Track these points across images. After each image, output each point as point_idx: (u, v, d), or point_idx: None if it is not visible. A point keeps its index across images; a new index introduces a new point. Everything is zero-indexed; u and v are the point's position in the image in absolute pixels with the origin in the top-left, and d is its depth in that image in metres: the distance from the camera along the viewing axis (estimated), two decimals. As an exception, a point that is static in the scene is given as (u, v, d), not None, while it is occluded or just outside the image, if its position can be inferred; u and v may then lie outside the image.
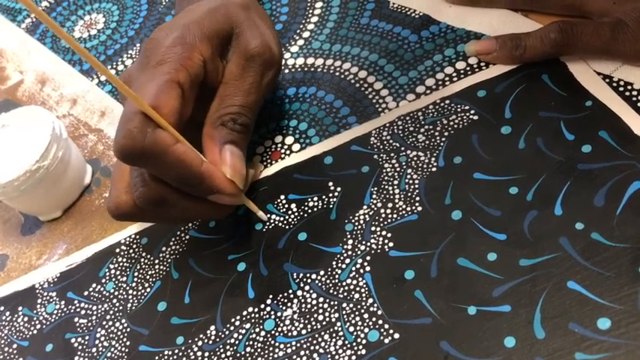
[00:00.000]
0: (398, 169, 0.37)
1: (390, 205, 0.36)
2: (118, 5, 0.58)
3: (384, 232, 0.35)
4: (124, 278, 0.40)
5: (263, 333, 0.34)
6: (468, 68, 0.40)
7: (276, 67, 0.38)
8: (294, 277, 0.35)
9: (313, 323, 0.33)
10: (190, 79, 0.34)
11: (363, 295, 0.33)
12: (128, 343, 0.37)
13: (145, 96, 0.32)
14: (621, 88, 0.36)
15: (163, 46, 0.34)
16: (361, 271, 0.34)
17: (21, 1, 0.25)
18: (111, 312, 0.39)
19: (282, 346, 0.33)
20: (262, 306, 0.35)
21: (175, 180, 0.33)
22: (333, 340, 0.33)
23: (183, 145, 0.33)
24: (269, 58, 0.37)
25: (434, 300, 0.32)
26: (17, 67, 0.58)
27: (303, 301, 0.34)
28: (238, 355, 0.34)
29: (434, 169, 0.36)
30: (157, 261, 0.40)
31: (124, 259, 0.41)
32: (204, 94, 0.36)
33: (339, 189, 0.38)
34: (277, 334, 0.34)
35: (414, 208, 0.35)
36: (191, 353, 0.35)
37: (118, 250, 0.41)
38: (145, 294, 0.39)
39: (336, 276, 0.35)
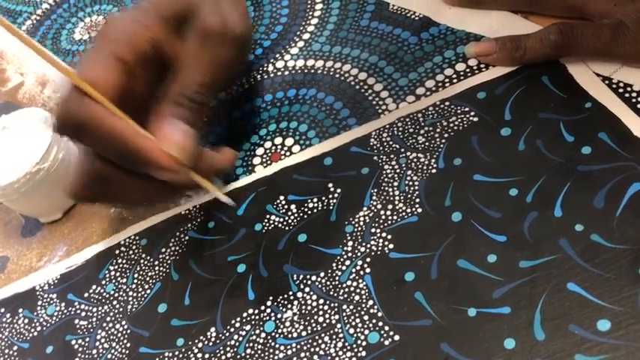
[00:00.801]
0: (398, 171, 0.37)
1: (390, 206, 0.36)
2: (119, 7, 0.58)
3: (384, 234, 0.35)
4: (124, 280, 0.40)
5: (263, 335, 0.34)
6: (468, 70, 0.40)
7: (238, 46, 0.37)
8: (294, 278, 0.35)
9: (313, 325, 0.33)
10: (136, 56, 0.33)
11: (364, 296, 0.33)
12: (128, 344, 0.37)
13: (84, 72, 0.32)
14: (621, 90, 0.36)
15: (114, 26, 0.34)
16: (361, 272, 0.34)
17: None
18: (111, 314, 0.39)
19: (282, 347, 0.33)
20: (262, 307, 0.35)
21: (113, 154, 0.33)
22: (334, 341, 0.33)
23: (120, 119, 0.32)
24: (226, 35, 0.36)
25: (434, 302, 0.32)
26: (18, 69, 0.58)
27: (303, 302, 0.34)
28: (239, 356, 0.34)
29: (434, 170, 0.36)
30: (156, 262, 0.40)
31: (124, 261, 0.41)
32: (165, 75, 0.35)
33: (339, 190, 0.38)
34: (277, 335, 0.34)
35: (414, 209, 0.35)
36: (191, 355, 0.35)
37: (117, 252, 0.41)
38: (145, 295, 0.39)
39: (337, 278, 0.35)
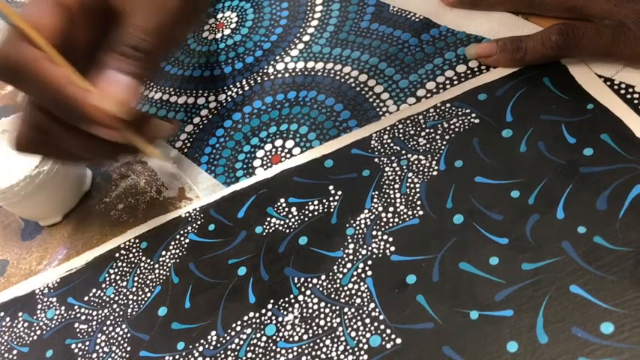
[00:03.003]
0: (399, 173, 0.37)
1: (391, 209, 0.36)
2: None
3: (385, 237, 0.35)
4: (124, 283, 0.40)
5: (264, 338, 0.34)
6: (469, 71, 0.40)
7: None
8: (295, 281, 0.35)
9: (315, 328, 0.33)
10: (79, 3, 0.32)
11: (365, 299, 0.33)
12: (128, 348, 0.37)
13: (23, 13, 0.31)
14: (623, 91, 0.35)
15: None
16: (363, 275, 0.34)
17: None
18: (111, 317, 0.38)
19: (283, 351, 0.33)
20: (263, 311, 0.35)
21: (49, 104, 0.32)
22: (335, 345, 0.32)
23: (60, 67, 0.31)
24: None
25: (436, 305, 0.32)
26: (17, 71, 0.58)
27: (304, 305, 0.34)
28: (239, 360, 0.34)
29: (435, 172, 0.36)
30: (156, 265, 0.40)
31: (124, 264, 0.41)
32: (110, 27, 0.33)
33: (339, 193, 0.38)
34: (278, 339, 0.34)
35: (415, 212, 0.35)
36: (192, 359, 0.35)
37: (117, 255, 0.41)
38: (146, 299, 0.38)
39: (338, 280, 0.34)
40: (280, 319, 0.34)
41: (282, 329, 0.34)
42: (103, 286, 0.40)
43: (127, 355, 0.36)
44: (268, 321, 0.34)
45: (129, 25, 0.32)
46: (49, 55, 0.31)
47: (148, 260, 0.40)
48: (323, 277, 0.35)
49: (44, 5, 0.32)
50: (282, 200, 0.39)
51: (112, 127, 0.32)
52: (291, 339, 0.33)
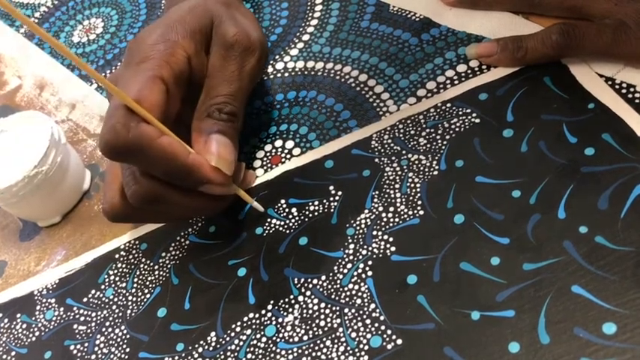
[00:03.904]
0: (399, 173, 0.37)
1: (391, 209, 0.36)
2: (117, 10, 0.58)
3: (385, 237, 0.35)
4: (124, 284, 0.40)
5: (264, 339, 0.34)
6: (469, 71, 0.40)
7: (258, 54, 0.38)
8: (295, 282, 0.35)
9: (315, 329, 0.33)
10: (174, 75, 0.34)
11: (365, 300, 0.33)
12: (128, 349, 0.36)
13: (128, 91, 0.32)
14: (624, 91, 0.35)
15: (146, 44, 0.35)
16: (363, 275, 0.34)
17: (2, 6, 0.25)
18: (110, 318, 0.38)
19: (283, 352, 0.33)
20: (263, 312, 0.35)
21: (164, 174, 0.33)
22: (335, 346, 0.32)
23: (169, 137, 0.33)
24: (248, 44, 0.37)
25: (437, 305, 0.31)
26: (16, 71, 0.58)
27: (304, 306, 0.34)
28: (239, 361, 0.34)
29: (435, 172, 0.36)
30: (156, 267, 0.39)
31: (124, 265, 0.40)
32: (194, 92, 0.36)
33: (340, 193, 0.38)
34: (279, 340, 0.33)
35: (415, 212, 0.35)
36: (191, 360, 0.35)
37: (117, 256, 0.41)
38: (145, 300, 0.38)
39: (338, 281, 0.34)
40: (280, 319, 0.34)
41: (282, 330, 0.34)
42: (103, 287, 0.40)
43: (127, 357, 0.36)
44: (268, 322, 0.34)
45: (214, 91, 0.36)
46: (160, 130, 0.32)
47: (148, 261, 0.40)
48: (323, 277, 0.35)
49: (145, 81, 0.33)
50: (283, 201, 0.39)
51: (224, 184, 0.35)
52: (291, 340, 0.33)
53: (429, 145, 0.37)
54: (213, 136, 0.35)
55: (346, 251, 0.35)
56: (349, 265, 0.34)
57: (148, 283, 0.39)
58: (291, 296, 0.35)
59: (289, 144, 0.42)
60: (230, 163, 0.35)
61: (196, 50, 0.36)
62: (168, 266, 0.39)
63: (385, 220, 0.35)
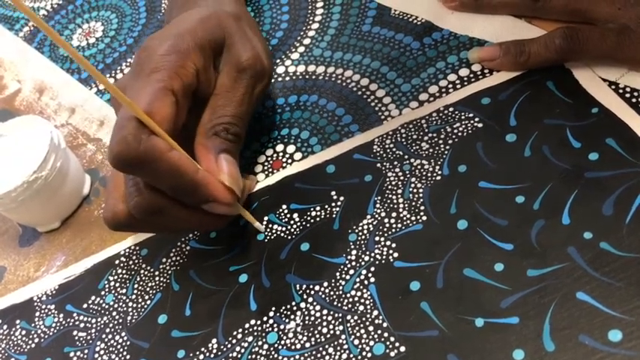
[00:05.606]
0: (402, 178, 0.37)
1: (394, 214, 0.35)
2: (117, 13, 0.58)
3: (388, 242, 0.34)
4: (124, 290, 0.39)
5: (266, 346, 0.33)
6: (472, 75, 0.40)
7: (266, 79, 0.39)
8: (297, 288, 0.35)
9: (317, 336, 0.33)
10: (184, 87, 0.34)
11: (368, 307, 0.33)
12: (128, 356, 0.36)
13: (139, 103, 0.31)
14: (628, 95, 0.35)
15: (157, 54, 0.34)
16: (365, 282, 0.34)
17: (19, 7, 0.25)
18: (110, 325, 0.38)
19: (285, 359, 0.33)
20: (265, 318, 0.34)
21: (170, 188, 0.33)
22: (338, 353, 0.32)
23: (178, 152, 0.32)
24: (260, 70, 0.37)
25: (440, 312, 0.31)
26: (15, 75, 0.57)
27: (306, 313, 0.34)
28: (241, 369, 0.33)
29: (438, 177, 0.36)
30: (157, 272, 0.39)
31: (124, 271, 0.40)
32: (196, 104, 0.36)
33: (341, 198, 0.37)
34: (280, 347, 0.33)
35: (418, 217, 0.35)
36: (192, 367, 0.34)
37: (117, 262, 0.41)
38: (145, 306, 0.38)
39: (340, 287, 0.34)
40: (282, 326, 0.34)
41: (284, 337, 0.33)
42: (103, 293, 0.40)
43: (127, 364, 0.36)
44: (270, 329, 0.34)
45: (225, 113, 0.36)
46: (169, 144, 0.32)
47: (148, 267, 0.40)
48: (325, 284, 0.34)
49: (155, 92, 0.32)
50: (284, 206, 0.38)
51: (231, 204, 0.35)
52: (293, 347, 0.33)
53: (431, 150, 0.37)
54: (222, 155, 0.35)
55: (348, 257, 0.35)
56: (351, 272, 0.34)
57: (148, 289, 0.39)
58: (293, 303, 0.34)
59: (290, 148, 0.41)
60: (240, 184, 0.35)
61: (205, 64, 0.35)
62: (169, 272, 0.39)
63: (387, 225, 0.35)
